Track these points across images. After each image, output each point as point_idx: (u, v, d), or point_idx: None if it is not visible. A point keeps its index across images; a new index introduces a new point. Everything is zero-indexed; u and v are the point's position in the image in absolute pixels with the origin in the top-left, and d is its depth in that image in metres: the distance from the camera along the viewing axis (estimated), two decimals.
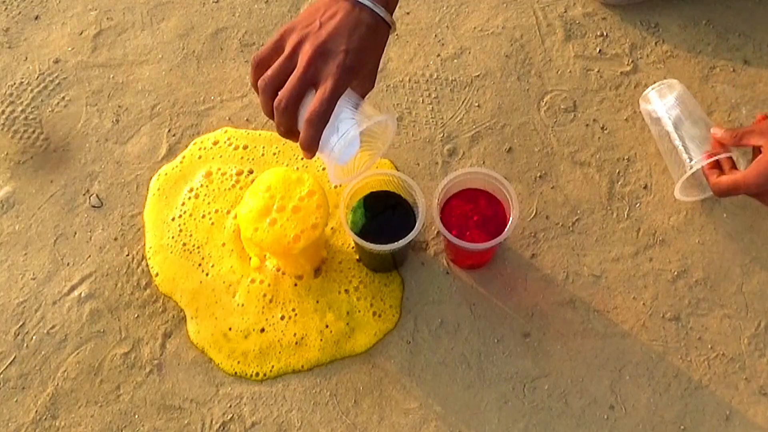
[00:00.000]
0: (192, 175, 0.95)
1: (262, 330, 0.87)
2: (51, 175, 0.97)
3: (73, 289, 0.91)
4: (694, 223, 0.92)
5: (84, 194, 0.96)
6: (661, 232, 0.92)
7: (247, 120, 1.00)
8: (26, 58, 1.05)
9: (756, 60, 1.01)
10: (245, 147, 0.97)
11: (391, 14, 0.70)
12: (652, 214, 0.93)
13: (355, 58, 0.66)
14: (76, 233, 0.94)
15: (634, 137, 0.97)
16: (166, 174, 0.96)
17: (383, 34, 0.70)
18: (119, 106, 1.01)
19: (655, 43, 1.03)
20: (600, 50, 1.03)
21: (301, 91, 0.66)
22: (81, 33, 1.06)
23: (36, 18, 1.08)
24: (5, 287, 0.92)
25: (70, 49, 1.05)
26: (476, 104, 1.00)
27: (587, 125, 0.98)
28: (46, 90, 1.03)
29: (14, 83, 1.03)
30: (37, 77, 1.03)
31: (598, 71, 1.01)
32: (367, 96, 0.72)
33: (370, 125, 0.68)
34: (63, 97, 1.02)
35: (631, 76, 1.01)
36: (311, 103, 0.65)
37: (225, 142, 0.97)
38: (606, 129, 0.98)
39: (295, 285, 0.89)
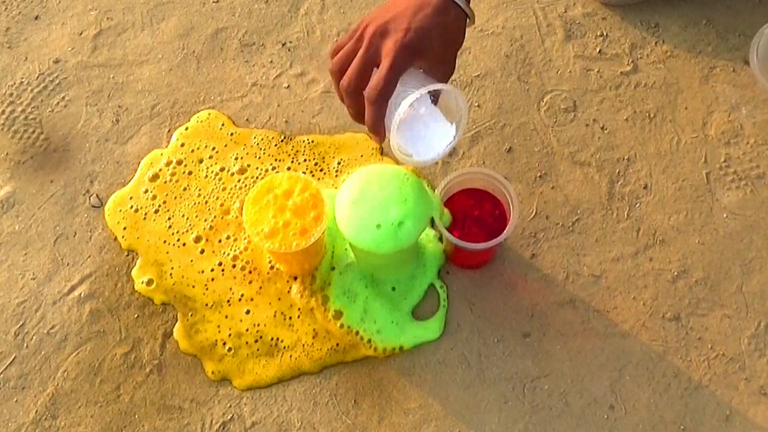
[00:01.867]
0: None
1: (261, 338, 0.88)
2: (51, 175, 0.97)
3: (73, 289, 0.91)
4: (694, 223, 0.93)
5: (84, 194, 0.96)
6: (661, 232, 0.92)
7: (247, 120, 1.00)
8: (26, 58, 1.05)
9: None
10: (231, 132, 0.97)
11: (468, 3, 0.70)
12: (652, 214, 0.93)
13: (416, 36, 0.66)
14: (76, 233, 0.94)
15: (634, 137, 0.97)
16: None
17: (455, 18, 0.69)
18: (119, 106, 1.01)
19: (655, 43, 1.03)
20: (600, 50, 1.03)
21: (363, 70, 0.66)
22: (81, 33, 1.06)
23: (36, 18, 1.08)
24: (5, 287, 0.92)
25: (70, 49, 1.05)
26: (476, 104, 1.00)
27: (587, 125, 0.98)
28: (46, 90, 1.03)
29: (14, 83, 1.03)
30: (37, 77, 1.03)
31: (598, 71, 1.01)
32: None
33: (435, 88, 0.66)
34: (63, 97, 1.02)
35: (631, 76, 1.01)
36: (371, 80, 0.65)
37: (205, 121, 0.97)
38: (606, 129, 0.98)
39: (294, 291, 0.89)
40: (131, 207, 0.94)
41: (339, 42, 0.70)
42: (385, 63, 0.65)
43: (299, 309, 0.88)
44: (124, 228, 0.93)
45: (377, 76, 0.65)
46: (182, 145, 0.98)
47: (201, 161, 0.96)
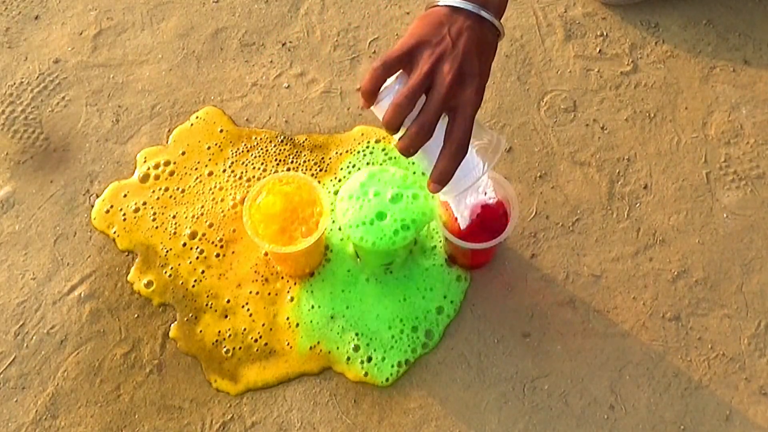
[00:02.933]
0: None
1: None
2: (51, 175, 0.97)
3: (73, 289, 0.91)
4: (694, 223, 0.93)
5: (84, 194, 0.96)
6: (661, 232, 0.92)
7: (247, 120, 1.00)
8: (26, 58, 1.05)
9: (756, 60, 1.02)
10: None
11: (500, 20, 0.69)
12: (652, 214, 0.93)
13: (486, 79, 0.66)
14: (76, 233, 0.94)
15: (634, 137, 0.97)
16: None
17: (497, 45, 0.70)
18: (119, 106, 1.01)
19: (655, 43, 1.03)
20: (600, 50, 1.03)
21: (439, 115, 0.65)
22: (81, 33, 1.06)
23: (36, 18, 1.08)
24: (5, 287, 0.92)
25: (70, 49, 1.05)
26: None
27: (587, 125, 0.98)
28: (46, 90, 1.03)
29: (14, 83, 1.03)
30: (37, 77, 1.03)
31: (598, 71, 1.01)
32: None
33: (496, 161, 0.69)
34: (63, 97, 1.02)
35: (631, 76, 1.01)
36: (453, 134, 0.65)
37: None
38: (606, 129, 0.98)
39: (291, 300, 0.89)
40: (127, 207, 0.94)
41: (390, 60, 0.66)
42: (468, 113, 0.64)
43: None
44: (123, 229, 0.93)
45: (462, 130, 0.64)
46: (181, 144, 0.97)
47: (200, 161, 0.96)
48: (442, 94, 0.64)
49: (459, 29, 0.66)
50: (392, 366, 0.85)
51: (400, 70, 0.67)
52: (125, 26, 1.07)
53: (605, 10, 1.05)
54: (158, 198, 0.95)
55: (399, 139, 0.66)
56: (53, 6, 1.09)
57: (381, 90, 0.66)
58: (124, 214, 0.94)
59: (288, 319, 0.88)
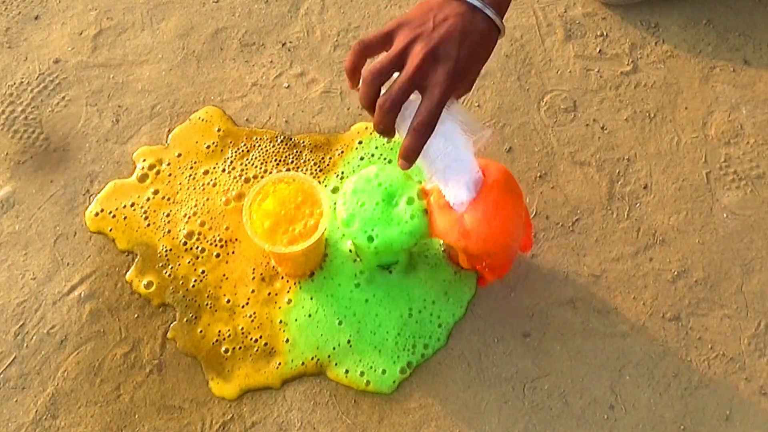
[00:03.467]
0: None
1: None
2: (51, 175, 0.97)
3: (73, 289, 0.91)
4: (694, 223, 0.93)
5: (84, 194, 0.96)
6: (661, 232, 0.92)
7: (247, 120, 1.00)
8: (26, 58, 1.05)
9: (756, 60, 1.02)
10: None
11: (502, 17, 0.69)
12: (652, 214, 0.93)
13: (463, 66, 0.66)
14: (76, 233, 0.94)
15: (634, 137, 0.97)
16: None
17: (494, 40, 0.69)
18: (119, 106, 1.01)
19: (655, 43, 1.03)
20: (600, 50, 1.03)
21: (408, 92, 0.65)
22: (81, 33, 1.06)
23: (36, 18, 1.08)
24: (5, 287, 0.92)
25: (70, 49, 1.05)
26: (476, 104, 1.00)
27: (587, 125, 0.98)
28: (46, 90, 1.03)
29: (14, 83, 1.03)
30: (37, 77, 1.03)
31: (598, 71, 1.01)
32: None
33: (479, 146, 0.69)
34: (63, 97, 1.02)
35: (631, 76, 1.01)
36: (419, 111, 0.65)
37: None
38: (606, 129, 0.98)
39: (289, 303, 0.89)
40: (126, 207, 0.94)
41: (368, 41, 0.68)
42: (436, 95, 0.65)
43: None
44: (122, 229, 0.93)
45: (427, 108, 0.65)
46: (180, 143, 0.97)
47: (200, 161, 0.96)
48: (409, 71, 0.64)
49: (446, 15, 0.66)
50: (393, 380, 0.85)
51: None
52: (125, 26, 1.07)
53: (605, 10, 1.05)
54: (158, 198, 0.94)
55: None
56: (53, 6, 1.09)
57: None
58: (124, 215, 0.94)
59: (287, 320, 0.88)
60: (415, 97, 0.67)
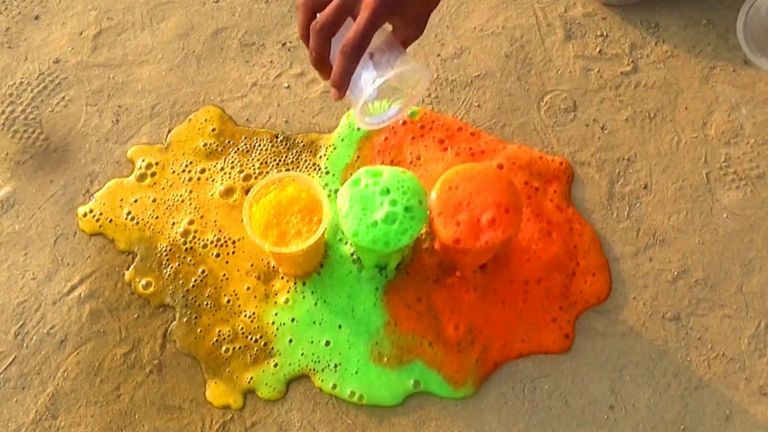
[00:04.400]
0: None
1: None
2: (51, 175, 0.97)
3: (73, 289, 0.91)
4: (694, 223, 0.93)
5: (84, 194, 0.96)
6: (661, 232, 0.92)
7: (247, 120, 1.00)
8: (26, 58, 1.05)
9: None
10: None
11: None
12: (652, 214, 0.93)
13: None
14: (76, 233, 0.94)
15: (634, 137, 0.97)
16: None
17: None
18: (119, 106, 1.01)
19: (655, 43, 1.03)
20: (600, 50, 1.03)
21: (338, 15, 0.63)
22: (81, 33, 1.06)
23: (36, 18, 1.08)
24: (5, 287, 0.92)
25: (70, 49, 1.05)
26: (476, 104, 1.00)
27: (587, 125, 0.98)
28: (46, 90, 1.03)
29: (14, 83, 1.03)
30: (37, 77, 1.03)
31: (598, 71, 1.01)
32: (410, 44, 0.70)
33: (405, 69, 0.65)
34: (63, 97, 1.02)
35: (631, 76, 1.01)
36: (347, 33, 0.63)
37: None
38: (606, 129, 0.98)
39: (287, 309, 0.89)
40: (125, 207, 0.94)
41: None
42: (364, 15, 0.62)
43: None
44: (121, 229, 0.93)
45: (355, 30, 0.62)
46: (180, 143, 0.97)
47: (200, 161, 0.96)
48: None
49: None
50: (393, 396, 0.85)
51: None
52: (125, 26, 1.07)
53: (605, 10, 1.05)
54: (157, 198, 0.95)
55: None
56: (53, 6, 1.09)
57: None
58: (122, 215, 0.94)
59: (287, 320, 0.88)
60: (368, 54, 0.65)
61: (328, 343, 0.87)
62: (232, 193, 0.94)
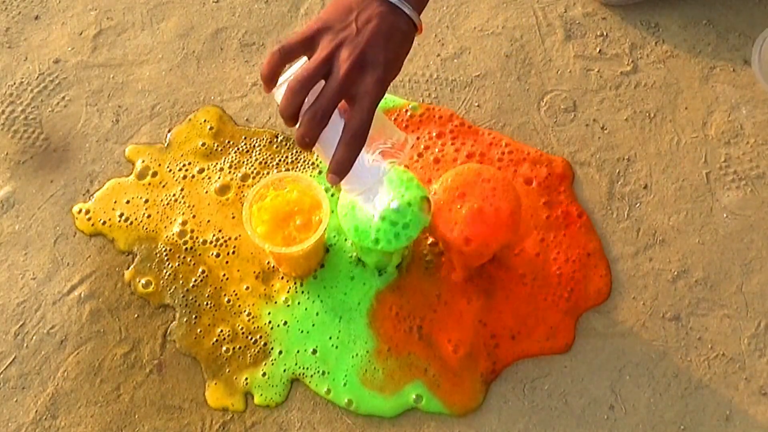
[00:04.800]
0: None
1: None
2: (51, 175, 0.97)
3: (73, 289, 0.91)
4: (694, 223, 0.93)
5: (84, 194, 0.96)
6: (661, 232, 0.92)
7: (247, 120, 1.00)
8: (26, 58, 1.05)
9: None
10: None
11: (420, 14, 0.67)
12: (652, 214, 0.93)
13: (391, 70, 0.64)
14: (76, 233, 0.94)
15: (634, 137, 0.97)
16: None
17: (412, 39, 0.67)
18: (119, 106, 1.01)
19: (655, 43, 1.03)
20: (600, 50, 1.03)
21: (337, 102, 0.63)
22: (81, 33, 1.06)
23: (36, 18, 1.08)
24: (5, 287, 0.92)
25: (70, 49, 1.05)
26: (476, 104, 1.00)
27: (587, 125, 0.98)
28: (46, 90, 1.03)
29: (14, 83, 1.03)
30: (37, 77, 1.03)
31: (598, 71, 1.01)
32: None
33: (402, 161, 0.68)
34: (63, 97, 1.02)
35: (631, 76, 1.01)
36: (351, 123, 0.63)
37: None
38: (606, 129, 0.98)
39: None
40: (125, 206, 0.94)
41: (289, 45, 0.64)
42: (366, 103, 0.62)
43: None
44: (121, 229, 0.93)
45: (360, 119, 0.62)
46: (180, 143, 0.97)
47: (200, 161, 0.96)
48: (338, 80, 0.62)
49: (368, 16, 0.63)
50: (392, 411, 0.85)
51: (304, 57, 0.64)
52: (125, 26, 1.07)
53: (605, 10, 1.05)
54: (157, 198, 0.95)
55: (297, 129, 0.64)
56: (53, 6, 1.09)
57: (282, 77, 0.64)
58: (122, 215, 0.94)
59: (286, 321, 0.88)
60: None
61: (315, 351, 0.86)
62: (233, 194, 0.94)
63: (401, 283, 0.89)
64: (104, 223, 0.93)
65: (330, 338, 0.87)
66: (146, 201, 0.94)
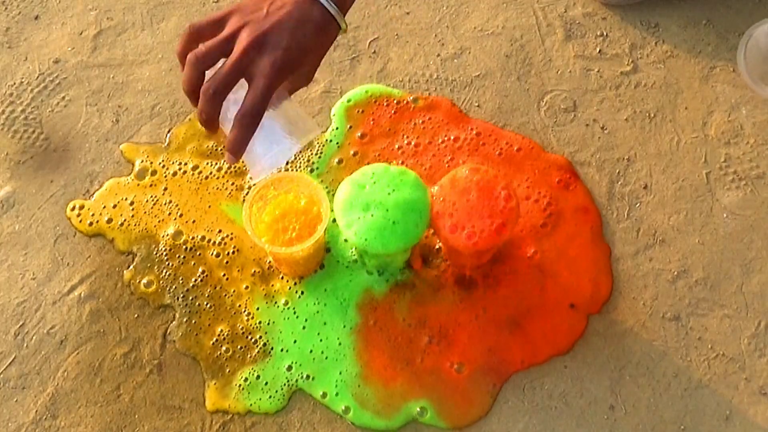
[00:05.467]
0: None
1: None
2: (51, 175, 0.97)
3: (73, 289, 0.91)
4: (694, 223, 0.93)
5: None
6: (661, 232, 0.92)
7: None
8: (26, 58, 1.05)
9: None
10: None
11: (344, 14, 0.67)
12: (652, 214, 0.93)
13: (294, 56, 0.63)
14: (76, 233, 0.94)
15: (634, 137, 0.97)
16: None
17: (332, 34, 0.67)
18: (119, 106, 1.01)
19: (655, 43, 1.03)
20: (600, 50, 1.03)
21: (232, 80, 0.63)
22: (81, 33, 1.07)
23: (36, 18, 1.08)
24: (5, 287, 0.92)
25: (70, 49, 1.05)
26: (476, 104, 1.00)
27: (587, 125, 0.98)
28: (46, 90, 1.03)
29: (14, 83, 1.03)
30: (37, 77, 1.03)
31: (598, 71, 1.01)
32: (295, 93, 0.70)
33: (304, 143, 0.67)
34: (63, 97, 1.02)
35: (631, 76, 1.01)
36: (244, 102, 0.63)
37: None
38: (606, 129, 0.98)
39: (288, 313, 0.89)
40: (125, 206, 0.94)
41: (199, 25, 0.66)
42: (260, 84, 0.62)
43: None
44: (120, 229, 0.93)
45: (252, 99, 0.62)
46: (179, 143, 0.97)
47: (200, 161, 0.96)
48: (234, 57, 0.62)
49: (282, 3, 0.64)
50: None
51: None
52: (125, 26, 1.07)
53: (605, 10, 1.05)
54: (157, 198, 0.95)
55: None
56: (53, 6, 1.09)
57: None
58: (121, 215, 0.94)
59: (286, 320, 0.88)
60: (243, 91, 0.64)
61: (311, 351, 0.86)
62: (233, 194, 0.94)
63: (403, 294, 0.89)
64: (106, 221, 0.93)
65: (321, 341, 0.87)
66: (146, 201, 0.94)
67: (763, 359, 0.86)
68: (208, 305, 0.89)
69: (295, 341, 0.87)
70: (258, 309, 0.89)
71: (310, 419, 0.84)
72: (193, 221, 0.93)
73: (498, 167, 0.94)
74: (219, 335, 0.88)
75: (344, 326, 0.87)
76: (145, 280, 0.90)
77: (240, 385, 0.85)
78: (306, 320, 0.88)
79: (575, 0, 1.06)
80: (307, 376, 0.85)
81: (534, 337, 0.86)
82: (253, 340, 0.87)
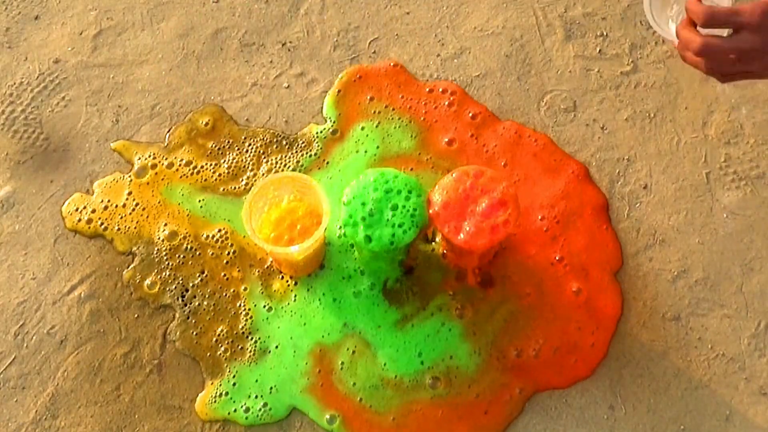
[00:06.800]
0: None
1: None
2: (51, 175, 0.97)
3: (73, 289, 0.91)
4: (694, 223, 0.93)
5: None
6: (661, 232, 0.92)
7: (247, 120, 1.00)
8: (26, 58, 1.05)
9: None
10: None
11: None
12: (652, 214, 0.93)
13: None
14: (76, 233, 0.94)
15: (634, 137, 0.97)
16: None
17: None
18: (119, 106, 1.01)
19: (655, 43, 1.03)
20: (600, 50, 1.03)
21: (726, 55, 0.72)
22: (81, 33, 1.07)
23: (36, 18, 1.08)
24: (5, 287, 0.92)
25: (70, 49, 1.05)
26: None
27: (587, 125, 0.98)
28: (46, 90, 1.03)
29: (14, 83, 1.03)
30: (37, 77, 1.03)
31: (598, 71, 1.01)
32: None
33: None
34: (63, 97, 1.02)
35: (631, 76, 1.01)
36: None
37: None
38: (606, 129, 0.98)
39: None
40: (125, 206, 0.94)
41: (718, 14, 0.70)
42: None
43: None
44: (120, 229, 0.93)
45: None
46: (179, 143, 0.97)
47: (200, 161, 0.96)
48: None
49: None
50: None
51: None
52: (125, 26, 1.07)
53: (605, 9, 1.05)
54: (157, 198, 0.95)
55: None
56: (53, 6, 1.09)
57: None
58: (121, 215, 0.94)
59: (286, 321, 0.88)
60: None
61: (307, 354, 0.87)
62: (232, 194, 0.94)
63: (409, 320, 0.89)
64: (103, 225, 0.93)
65: (323, 336, 0.87)
66: (146, 201, 0.94)
67: (763, 359, 0.86)
68: (208, 305, 0.89)
69: (295, 340, 0.87)
70: (257, 309, 0.89)
71: (311, 419, 0.84)
72: (194, 221, 0.93)
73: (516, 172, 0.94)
74: (219, 336, 0.88)
75: (345, 326, 0.87)
76: (144, 281, 0.90)
77: (241, 383, 0.85)
78: (306, 320, 0.88)
79: (575, 0, 1.06)
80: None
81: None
82: (253, 339, 0.87)
